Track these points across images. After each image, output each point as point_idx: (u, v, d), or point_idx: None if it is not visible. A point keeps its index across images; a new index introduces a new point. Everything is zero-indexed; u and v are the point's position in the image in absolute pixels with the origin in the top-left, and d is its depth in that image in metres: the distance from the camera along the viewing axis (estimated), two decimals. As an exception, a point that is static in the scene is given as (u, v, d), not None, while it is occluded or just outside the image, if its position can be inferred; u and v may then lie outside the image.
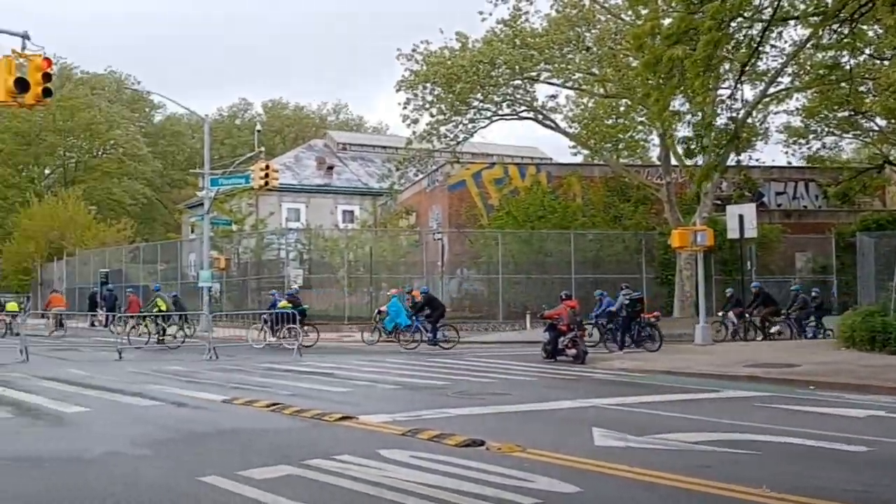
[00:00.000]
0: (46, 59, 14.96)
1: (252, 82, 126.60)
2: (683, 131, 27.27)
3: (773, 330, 24.34)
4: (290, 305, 23.94)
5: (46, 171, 70.08)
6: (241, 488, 6.59)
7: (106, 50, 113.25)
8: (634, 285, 25.55)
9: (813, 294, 25.87)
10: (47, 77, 14.84)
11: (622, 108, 37.63)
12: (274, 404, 11.37)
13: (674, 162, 31.58)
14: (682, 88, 19.81)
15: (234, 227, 38.95)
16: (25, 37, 15.01)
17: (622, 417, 10.53)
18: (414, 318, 24.08)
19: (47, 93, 14.94)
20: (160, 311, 24.88)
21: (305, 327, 23.82)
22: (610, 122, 39.17)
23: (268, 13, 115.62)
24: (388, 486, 6.59)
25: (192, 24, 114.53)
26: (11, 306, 32.32)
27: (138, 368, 17.44)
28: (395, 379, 15.43)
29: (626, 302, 21.56)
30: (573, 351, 19.15)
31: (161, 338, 24.38)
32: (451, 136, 33.50)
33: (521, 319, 29.90)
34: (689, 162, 29.41)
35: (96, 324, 32.36)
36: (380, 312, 25.46)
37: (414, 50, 32.08)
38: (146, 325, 25.18)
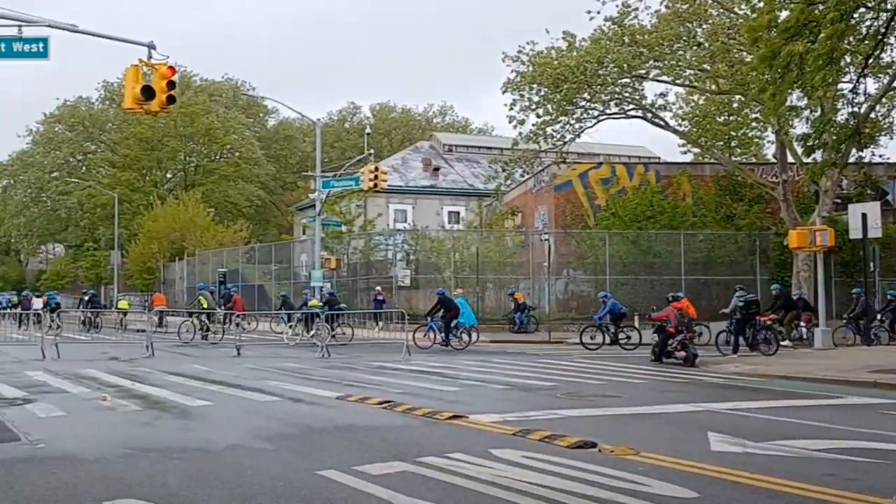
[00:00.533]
0: (171, 67, 15.71)
1: (360, 86, 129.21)
2: (801, 127, 26.26)
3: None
4: (319, 304, 25.31)
5: (168, 175, 73.27)
6: (357, 483, 6.77)
7: (222, 58, 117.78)
8: (748, 287, 24.78)
9: (888, 297, 24.84)
10: (171, 85, 15.58)
11: (735, 105, 36.57)
12: (386, 402, 11.60)
13: (790, 159, 30.40)
14: (800, 83, 19.06)
15: (344, 229, 39.84)
16: (151, 46, 15.80)
17: (738, 422, 10.25)
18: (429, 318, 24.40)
19: (171, 100, 15.68)
20: (202, 308, 26.60)
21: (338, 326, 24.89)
22: (722, 119, 38.16)
23: (374, 18, 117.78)
24: (501, 486, 6.63)
25: (302, 31, 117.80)
26: (123, 304, 33.94)
27: (256, 365, 18.09)
28: (503, 379, 15.46)
29: (741, 304, 20.95)
30: (682, 353, 18.81)
31: (204, 334, 26.14)
32: (558, 136, 33.28)
33: (629, 321, 29.39)
34: (806, 159, 28.32)
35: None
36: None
37: (520, 51, 32.04)
38: (191, 322, 26.89)
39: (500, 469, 7.26)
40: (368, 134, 57.64)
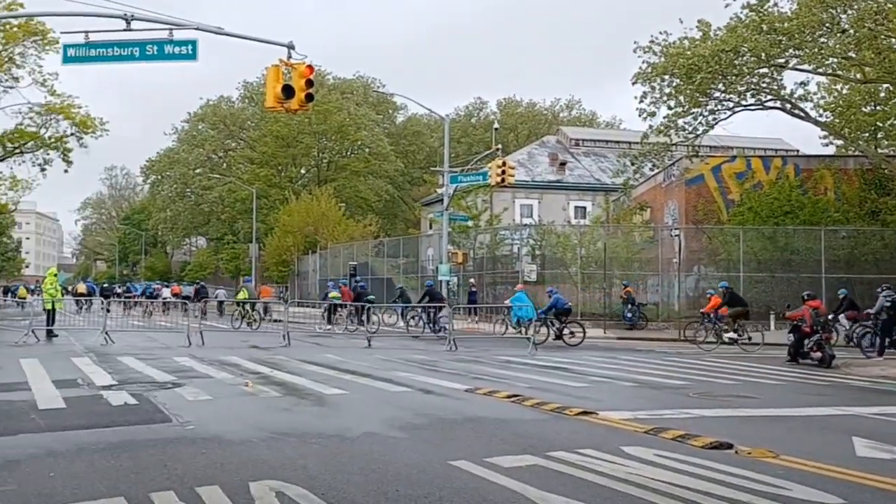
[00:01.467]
0: (309, 66, 16.28)
1: (487, 81, 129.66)
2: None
3: None
4: (338, 296, 27.40)
5: (302, 171, 75.75)
6: (489, 474, 6.87)
7: (354, 56, 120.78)
8: (895, 286, 23.40)
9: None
10: (310, 83, 16.16)
11: (882, 94, 34.54)
12: (514, 395, 11.67)
13: (945, 151, 28.51)
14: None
15: (471, 223, 40.14)
16: (291, 47, 16.42)
17: (886, 428, 9.74)
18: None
19: (310, 98, 16.27)
20: (245, 299, 29.89)
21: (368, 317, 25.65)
22: (868, 109, 36.11)
23: (501, 13, 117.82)
24: (634, 483, 6.58)
25: (431, 27, 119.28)
26: (241, 295, 35.21)
27: (386, 356, 18.53)
28: (631, 376, 15.24)
29: (887, 304, 19.83)
30: (818, 354, 18.10)
31: (248, 321, 28.09)
32: (690, 128, 32.44)
33: (764, 320, 28.34)
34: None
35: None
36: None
37: (652, 41, 31.36)
38: (239, 312, 29.28)
39: (633, 467, 7.20)
40: (496, 129, 57.81)
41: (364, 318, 25.50)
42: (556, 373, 15.62)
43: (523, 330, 24.06)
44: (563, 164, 56.61)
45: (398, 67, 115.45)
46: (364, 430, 8.88)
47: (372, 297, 27.98)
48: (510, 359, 18.48)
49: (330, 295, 27.98)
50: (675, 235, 32.78)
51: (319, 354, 18.69)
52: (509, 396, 11.66)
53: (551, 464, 7.28)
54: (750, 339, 22.57)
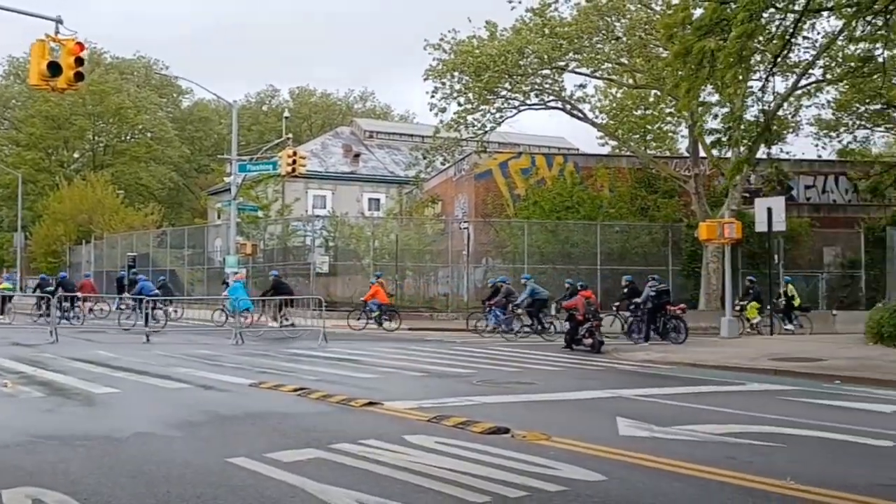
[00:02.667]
0: (79, 43, 15.12)
1: (280, 69, 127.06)
2: (713, 123, 27.08)
3: None
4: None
5: (76, 155, 70.82)
6: (269, 470, 6.68)
7: (135, 35, 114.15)
8: (660, 277, 25.43)
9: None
10: (80, 61, 15.01)
11: (651, 99, 37.46)
12: (300, 389, 11.49)
13: (702, 154, 31.34)
14: (712, 80, 19.65)
15: (261, 214, 39.21)
16: (59, 21, 15.19)
17: (647, 408, 10.52)
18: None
19: (79, 77, 15.11)
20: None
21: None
22: (638, 112, 39.03)
23: (295, 1, 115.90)
24: (414, 471, 6.64)
25: (219, 10, 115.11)
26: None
27: (166, 352, 17.64)
28: (420, 366, 15.49)
29: (653, 294, 21.50)
30: (589, 341, 19.42)
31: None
32: (479, 125, 33.49)
33: (544, 309, 29.82)
34: (717, 154, 29.22)
35: (123, 307, 32.68)
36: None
37: (442, 39, 32.08)
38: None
39: (414, 455, 7.27)
40: (287, 118, 56.83)
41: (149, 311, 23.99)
42: (346, 365, 15.58)
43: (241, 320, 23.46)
44: (357, 155, 56.65)
45: (184, 49, 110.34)
46: (135, 430, 8.37)
47: (157, 291, 26.36)
48: (299, 352, 18.22)
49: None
50: (465, 228, 33.78)
51: (90, 351, 17.48)
52: (295, 390, 11.47)
53: (333, 456, 7.21)
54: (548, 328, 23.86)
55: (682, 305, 22.86)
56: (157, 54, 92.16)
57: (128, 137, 70.54)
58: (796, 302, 25.47)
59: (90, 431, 8.36)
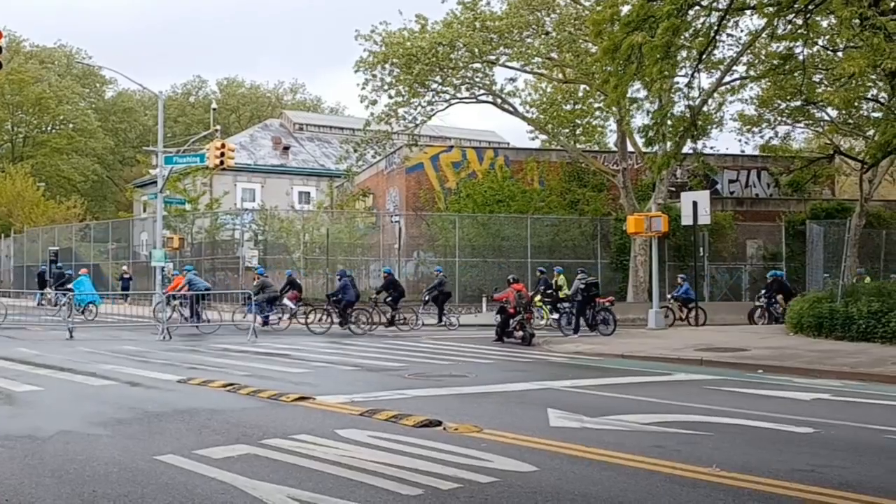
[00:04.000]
0: (-4, 30, 14.58)
1: (207, 60, 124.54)
2: (641, 118, 27.58)
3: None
4: None
5: (-7, 147, 68.41)
6: (198, 467, 6.58)
7: (55, 22, 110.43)
8: (590, 270, 25.86)
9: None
10: (-3, 49, 14.47)
11: (580, 94, 37.90)
12: (230, 384, 11.32)
13: (630, 148, 31.89)
14: (640, 75, 19.99)
15: (188, 207, 38.44)
16: (-26, 7, 14.60)
17: (577, 399, 10.68)
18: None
19: (-3, 65, 14.58)
20: None
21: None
22: (568, 107, 39.46)
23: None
24: (346, 465, 6.62)
25: (148, 5, 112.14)
26: None
27: (91, 348, 17.18)
28: (352, 360, 15.43)
29: (582, 286, 21.81)
30: (520, 333, 19.65)
31: None
32: (410, 118, 33.40)
33: (477, 303, 30.05)
34: (645, 149, 29.75)
35: (44, 303, 31.73)
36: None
37: (373, 30, 31.85)
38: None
39: (346, 449, 7.24)
40: (215, 109, 55.88)
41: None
42: (277, 360, 15.42)
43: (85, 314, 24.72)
44: (286, 148, 55.96)
45: (107, 38, 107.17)
46: (59, 429, 8.13)
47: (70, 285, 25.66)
48: (229, 347, 17.96)
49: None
50: (396, 221, 33.71)
51: (10, 348, 16.89)
52: (225, 385, 11.29)
53: (265, 451, 7.13)
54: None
55: (610, 298, 23.29)
56: (79, 42, 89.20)
57: (49, 128, 68.35)
58: (562, 293, 24.60)
59: (11, 431, 8.09)
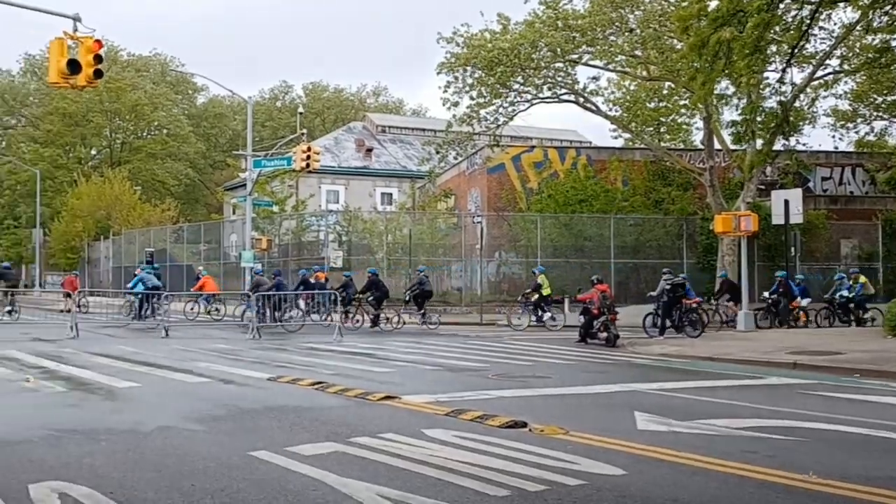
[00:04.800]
0: (97, 40, 15.24)
1: (294, 65, 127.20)
2: (729, 115, 26.93)
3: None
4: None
5: (93, 152, 71.21)
6: (290, 463, 6.75)
7: (150, 32, 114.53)
8: (675, 271, 25.37)
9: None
10: (98, 59, 15.12)
11: (665, 92, 37.28)
12: (318, 383, 11.56)
13: (717, 146, 31.17)
14: (728, 71, 19.56)
15: (276, 209, 39.35)
16: (77, 19, 15.30)
17: (664, 402, 10.53)
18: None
19: (98, 74, 15.22)
20: None
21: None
22: (652, 105, 38.85)
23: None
24: (433, 465, 6.69)
25: (234, 7, 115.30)
26: None
27: (185, 346, 17.79)
28: (434, 360, 15.55)
29: (667, 287, 21.44)
30: (604, 334, 19.41)
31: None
32: (491, 119, 33.40)
33: (559, 303, 29.85)
34: (734, 146, 29.08)
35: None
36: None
37: (455, 33, 31.96)
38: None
39: (433, 449, 7.32)
40: (301, 113, 56.93)
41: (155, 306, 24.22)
42: (361, 359, 15.65)
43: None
44: (369, 150, 56.71)
45: (199, 46, 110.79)
46: (158, 424, 8.46)
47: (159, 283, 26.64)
48: (315, 346, 18.33)
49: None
50: (478, 222, 33.74)
51: (112, 346, 17.65)
52: (313, 384, 11.54)
53: (353, 449, 7.27)
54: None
55: (697, 299, 22.82)
56: (172, 52, 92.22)
57: (144, 134, 70.88)
58: (545, 292, 24.73)
59: (113, 426, 8.45)
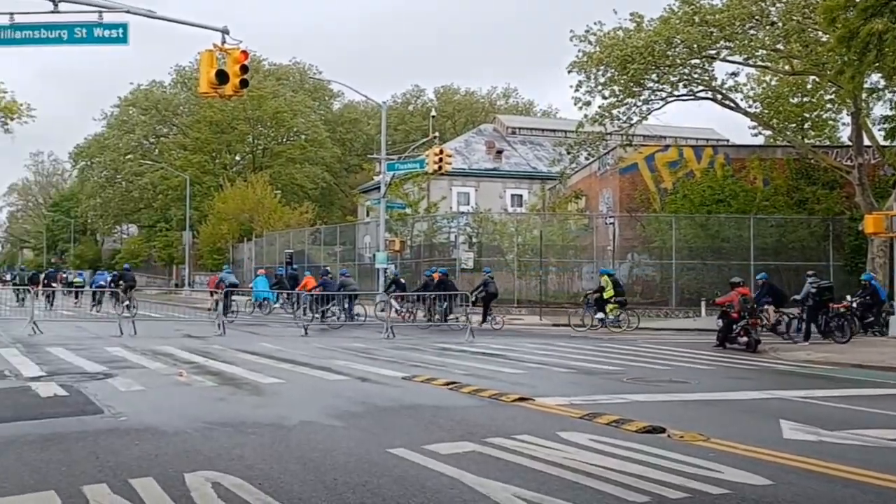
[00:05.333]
0: (243, 52, 16.00)
1: (425, 69, 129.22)
2: (880, 110, 25.43)
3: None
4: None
5: (237, 158, 74.54)
6: (427, 461, 6.88)
7: (289, 42, 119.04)
8: (820, 273, 24.17)
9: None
10: (244, 69, 15.88)
11: (809, 86, 35.57)
12: (451, 383, 11.71)
13: (867, 142, 29.49)
14: (880, 64, 18.48)
15: (408, 211, 40.07)
16: (225, 31, 16.09)
17: (812, 411, 10.07)
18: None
19: (244, 84, 15.98)
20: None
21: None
22: (795, 100, 37.12)
23: (439, 1, 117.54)
24: (569, 468, 6.67)
25: (366, 15, 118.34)
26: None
27: (324, 345, 18.41)
28: (567, 362, 15.44)
29: (813, 290, 20.47)
30: (745, 339, 18.69)
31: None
32: (624, 118, 32.85)
33: (695, 306, 29.03)
34: (885, 142, 27.45)
35: (282, 301, 34.23)
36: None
37: (587, 31, 31.64)
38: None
39: (568, 451, 7.29)
40: (433, 116, 57.76)
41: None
42: (493, 360, 15.73)
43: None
44: (499, 152, 56.84)
45: (335, 54, 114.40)
46: (301, 419, 8.80)
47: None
48: (447, 346, 18.55)
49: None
50: (610, 223, 33.29)
51: (255, 343, 18.48)
52: (447, 384, 11.70)
53: (488, 450, 7.33)
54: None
55: (845, 303, 21.65)
56: (310, 59, 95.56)
57: (284, 140, 73.62)
58: (607, 294, 24.66)
59: (260, 419, 8.85)
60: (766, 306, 21.92)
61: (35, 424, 8.39)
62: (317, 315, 23.93)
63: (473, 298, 26.24)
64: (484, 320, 25.54)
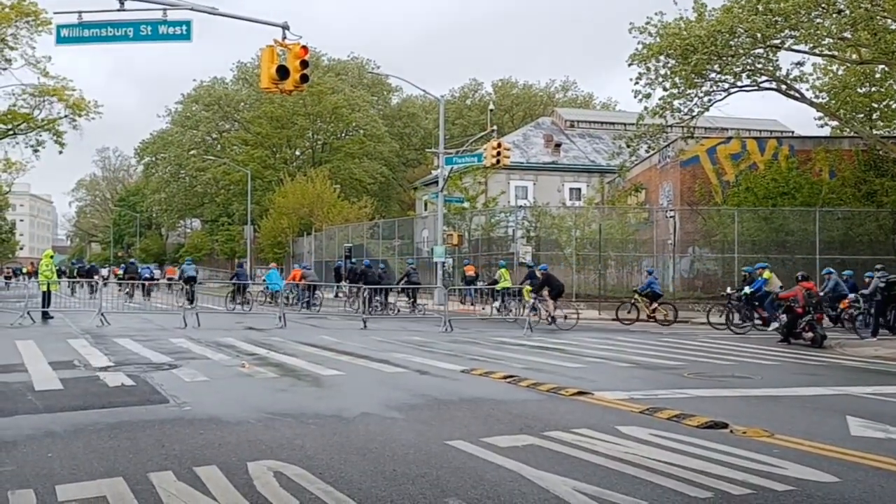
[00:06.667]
0: (304, 47, 16.19)
1: (483, 62, 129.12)
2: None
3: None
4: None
5: (297, 153, 75.55)
6: (486, 454, 6.89)
7: (348, 37, 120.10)
8: (890, 267, 23.46)
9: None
10: (305, 64, 16.08)
11: (878, 75, 34.50)
12: (510, 376, 11.71)
13: (940, 132, 28.50)
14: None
15: (466, 205, 40.09)
16: (285, 27, 16.34)
17: (880, 408, 9.81)
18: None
19: (304, 79, 16.19)
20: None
21: None
22: (863, 90, 36.04)
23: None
24: (629, 462, 6.62)
25: (423, 9, 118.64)
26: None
27: (383, 338, 18.56)
28: (626, 357, 15.30)
29: (882, 285, 19.91)
30: (810, 334, 18.29)
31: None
32: (685, 110, 32.27)
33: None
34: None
35: (340, 295, 34.63)
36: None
37: (647, 22, 31.12)
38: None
39: (628, 446, 7.23)
40: (491, 110, 57.66)
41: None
42: (551, 354, 15.67)
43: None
44: (558, 145, 56.50)
45: (393, 48, 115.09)
46: (361, 411, 8.90)
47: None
48: (505, 340, 18.54)
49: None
50: (670, 217, 32.81)
51: (315, 336, 18.72)
52: (505, 377, 11.70)
53: (547, 443, 7.32)
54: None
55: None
56: (368, 54, 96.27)
57: (343, 135, 74.33)
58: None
59: (320, 410, 8.98)
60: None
61: (103, 413, 8.65)
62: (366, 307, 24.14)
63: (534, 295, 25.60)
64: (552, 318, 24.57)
